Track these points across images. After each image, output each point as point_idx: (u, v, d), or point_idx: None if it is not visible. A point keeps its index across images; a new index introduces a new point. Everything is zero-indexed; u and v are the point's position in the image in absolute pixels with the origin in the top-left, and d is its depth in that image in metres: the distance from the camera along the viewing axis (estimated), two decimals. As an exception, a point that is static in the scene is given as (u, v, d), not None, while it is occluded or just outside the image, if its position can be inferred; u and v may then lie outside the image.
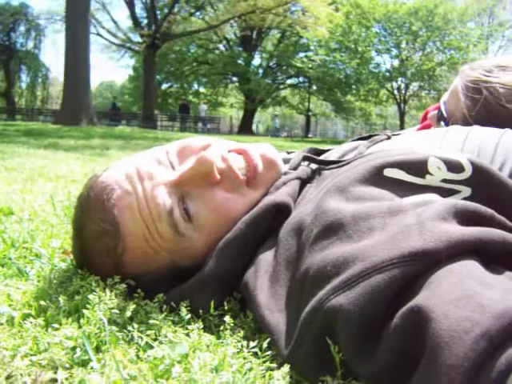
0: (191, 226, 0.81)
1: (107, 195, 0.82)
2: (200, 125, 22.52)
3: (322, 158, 0.95)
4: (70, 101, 13.39)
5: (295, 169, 0.91)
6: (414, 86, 21.67)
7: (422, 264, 0.54)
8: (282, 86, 28.94)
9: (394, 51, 20.66)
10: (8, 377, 0.59)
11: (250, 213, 0.80)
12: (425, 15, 19.15)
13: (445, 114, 1.22)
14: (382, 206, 0.65)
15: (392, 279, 0.54)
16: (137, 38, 24.72)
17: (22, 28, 28.10)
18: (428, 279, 0.53)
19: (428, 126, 1.49)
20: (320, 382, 0.58)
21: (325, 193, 0.73)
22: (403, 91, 21.43)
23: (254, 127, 29.46)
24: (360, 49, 20.21)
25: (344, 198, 0.69)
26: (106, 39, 25.85)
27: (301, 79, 27.72)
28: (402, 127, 21.44)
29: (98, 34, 25.18)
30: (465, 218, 0.61)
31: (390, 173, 0.73)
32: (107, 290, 0.73)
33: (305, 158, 0.93)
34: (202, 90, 30.83)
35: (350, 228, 0.63)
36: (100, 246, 0.82)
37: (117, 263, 0.82)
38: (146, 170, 0.83)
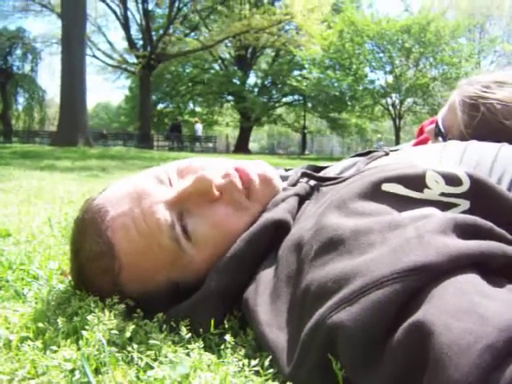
0: (190, 244, 0.81)
1: (101, 217, 0.82)
2: (198, 144, 22.52)
3: (320, 174, 0.95)
4: (66, 122, 13.44)
5: (294, 185, 0.91)
6: (409, 101, 21.83)
7: (423, 278, 0.54)
8: (277, 104, 29.16)
9: (388, 67, 20.86)
10: (6, 401, 0.58)
11: (249, 230, 0.80)
12: (417, 32, 19.38)
13: (442, 130, 1.22)
14: (382, 221, 0.64)
15: (393, 294, 0.53)
16: (132, 59, 25.00)
17: (19, 51, 28.43)
18: (429, 293, 0.53)
19: (424, 141, 1.49)
20: (323, 399, 0.57)
21: (324, 209, 0.73)
22: (398, 107, 21.58)
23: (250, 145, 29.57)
24: (354, 66, 20.40)
25: (343, 213, 0.69)
26: (102, 61, 26.15)
27: (296, 97, 27.95)
28: (397, 142, 21.53)
29: (94, 56, 25.46)
30: (464, 231, 0.61)
31: (388, 187, 0.73)
32: (106, 311, 0.73)
33: (303, 175, 0.93)
34: (197, 109, 31.03)
35: (349, 243, 0.63)
36: (97, 266, 0.81)
37: (115, 283, 0.81)
38: (143, 188, 0.83)
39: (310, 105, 25.88)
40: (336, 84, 21.06)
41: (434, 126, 1.27)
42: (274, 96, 29.07)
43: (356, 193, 0.72)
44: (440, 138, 1.22)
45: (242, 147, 25.76)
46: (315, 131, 32.38)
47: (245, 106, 25.49)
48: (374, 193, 0.72)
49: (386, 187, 0.73)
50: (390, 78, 21.14)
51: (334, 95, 21.20)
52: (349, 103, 21.74)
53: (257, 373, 0.63)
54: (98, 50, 25.57)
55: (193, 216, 0.82)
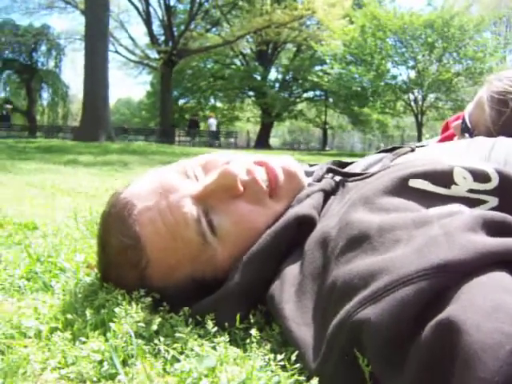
0: (215, 239, 0.81)
1: (128, 211, 0.83)
2: (222, 139, 22.79)
3: (345, 170, 0.95)
4: (88, 118, 13.60)
5: (319, 181, 0.90)
6: (431, 97, 21.53)
7: (450, 276, 0.53)
8: (298, 100, 29.03)
9: (411, 63, 20.60)
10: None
11: (275, 225, 0.80)
12: (440, 26, 19.09)
13: (469, 126, 1.20)
14: (407, 217, 0.64)
15: (419, 291, 0.53)
16: (154, 55, 25.14)
17: (44, 48, 28.89)
18: (457, 291, 0.52)
19: (450, 137, 1.47)
20: (349, 395, 0.57)
21: (349, 205, 0.72)
22: (420, 102, 21.30)
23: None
24: (376, 61, 20.20)
25: (368, 209, 0.69)
26: (124, 56, 26.28)
27: (317, 92, 27.78)
28: (419, 138, 21.28)
29: (116, 52, 25.60)
30: (492, 228, 0.60)
31: (414, 183, 0.73)
32: (133, 304, 0.74)
33: (329, 170, 0.93)
34: (218, 104, 31.09)
35: (375, 240, 0.63)
36: (124, 260, 0.83)
37: (141, 277, 0.82)
38: (169, 183, 0.84)
39: (331, 100, 25.73)
40: (358, 79, 20.89)
41: (460, 121, 1.25)
42: (294, 91, 28.97)
43: (382, 188, 0.72)
44: (466, 135, 1.21)
45: (262, 143, 25.74)
46: (336, 127, 32.18)
47: (266, 102, 25.46)
48: (401, 189, 0.72)
49: (412, 183, 0.73)
50: (413, 74, 20.88)
51: (355, 90, 21.04)
52: (370, 99, 21.55)
53: (283, 367, 0.63)
54: (120, 45, 25.75)
55: (217, 211, 0.82)
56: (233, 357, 0.66)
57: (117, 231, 0.83)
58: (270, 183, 0.85)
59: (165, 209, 0.81)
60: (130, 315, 0.71)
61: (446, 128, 1.81)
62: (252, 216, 0.83)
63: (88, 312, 0.76)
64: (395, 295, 0.54)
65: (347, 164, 1.02)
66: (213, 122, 22.93)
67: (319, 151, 21.76)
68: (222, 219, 0.82)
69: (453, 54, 20.02)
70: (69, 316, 0.76)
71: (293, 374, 0.62)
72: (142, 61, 26.29)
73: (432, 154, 0.92)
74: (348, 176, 0.90)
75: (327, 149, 25.98)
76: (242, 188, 0.83)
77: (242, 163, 0.87)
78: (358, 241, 0.64)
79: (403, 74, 21.55)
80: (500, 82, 1.13)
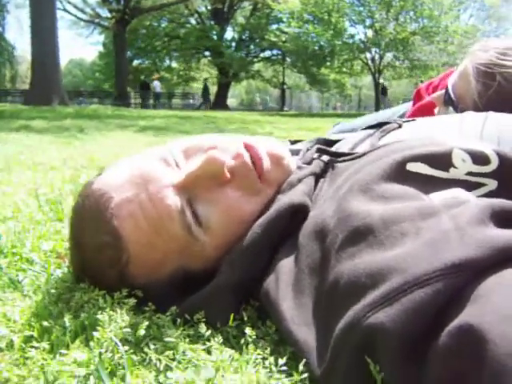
0: (201, 230, 0.75)
1: (104, 204, 0.75)
2: (178, 101, 22.58)
3: (333, 149, 0.89)
4: (39, 80, 13.00)
5: (309, 163, 0.85)
6: (388, 56, 21.64)
7: (467, 275, 0.49)
8: (255, 60, 28.67)
9: (368, 22, 20.55)
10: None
11: (266, 215, 0.74)
12: (398, -16, 19.06)
13: (453, 98, 1.16)
14: (412, 207, 0.60)
15: (435, 293, 0.49)
16: (106, 14, 24.09)
17: (-17, 5, 27.15)
18: (474, 292, 0.48)
19: (427, 106, 1.44)
20: (361, 403, 0.53)
21: (346, 192, 0.68)
22: (377, 61, 21.38)
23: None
24: (333, 20, 20.03)
25: (368, 197, 0.64)
26: (74, 15, 25.11)
27: (274, 52, 27.50)
28: (377, 98, 21.47)
29: (65, 10, 24.42)
30: (502, 218, 0.57)
31: (413, 167, 0.69)
32: (117, 308, 0.67)
33: (318, 151, 0.88)
34: (174, 65, 30.38)
35: (380, 233, 0.58)
36: (102, 258, 0.75)
37: (121, 274, 0.75)
38: (148, 171, 0.76)
39: (288, 60, 25.50)
40: (315, 39, 20.73)
41: (442, 92, 1.21)
42: (251, 51, 28.57)
43: (380, 174, 0.67)
44: (450, 108, 1.17)
45: (220, 103, 25.40)
46: (294, 87, 32.06)
47: (222, 62, 25.02)
48: (399, 173, 0.68)
49: (410, 167, 0.69)
50: (370, 33, 20.87)
51: (312, 50, 20.89)
52: (328, 58, 21.48)
53: (283, 372, 0.59)
54: (69, 3, 24.53)
55: (203, 200, 0.76)
56: (229, 361, 0.61)
57: (92, 227, 0.75)
58: (256, 170, 0.79)
59: (145, 201, 0.74)
60: (114, 320, 0.65)
61: (418, 95, 1.78)
62: (241, 203, 0.77)
63: (66, 317, 0.68)
64: (410, 297, 0.50)
65: (333, 142, 0.96)
66: (157, 84, 22.79)
67: (278, 111, 21.66)
68: (208, 209, 0.76)
69: (409, 12, 20.07)
70: (44, 323, 0.69)
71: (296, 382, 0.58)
72: (92, 20, 25.19)
73: (424, 131, 0.88)
74: (337, 156, 0.85)
75: (286, 109, 25.92)
76: (228, 175, 0.77)
77: (227, 148, 0.80)
78: (362, 233, 0.59)
79: (361, 33, 21.56)
80: (486, 53, 1.08)
